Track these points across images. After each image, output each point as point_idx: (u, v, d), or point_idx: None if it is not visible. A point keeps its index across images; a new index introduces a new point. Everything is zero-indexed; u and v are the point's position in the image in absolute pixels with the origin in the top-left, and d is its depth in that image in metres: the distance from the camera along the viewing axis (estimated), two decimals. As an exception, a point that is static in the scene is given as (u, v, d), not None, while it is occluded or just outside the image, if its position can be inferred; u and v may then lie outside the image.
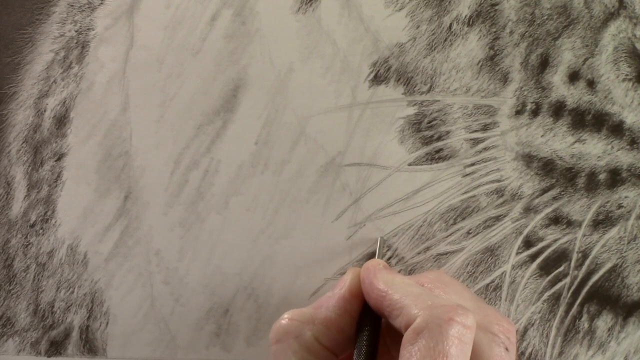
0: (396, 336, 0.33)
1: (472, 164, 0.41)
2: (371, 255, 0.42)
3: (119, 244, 0.44)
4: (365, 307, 0.36)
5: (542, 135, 0.40)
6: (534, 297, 0.40)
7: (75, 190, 0.45)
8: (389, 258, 0.42)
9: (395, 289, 0.34)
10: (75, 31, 0.45)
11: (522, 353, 0.41)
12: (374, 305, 0.35)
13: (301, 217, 0.43)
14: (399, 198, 0.42)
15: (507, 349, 0.33)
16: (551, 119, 0.40)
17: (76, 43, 0.45)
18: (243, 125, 0.44)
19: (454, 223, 0.41)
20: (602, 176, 0.40)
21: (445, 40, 0.42)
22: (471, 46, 0.42)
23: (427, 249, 0.42)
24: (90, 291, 0.44)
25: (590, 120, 0.40)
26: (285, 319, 0.36)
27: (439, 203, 0.42)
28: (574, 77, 0.40)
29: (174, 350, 0.44)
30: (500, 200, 0.41)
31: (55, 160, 0.45)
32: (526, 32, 0.41)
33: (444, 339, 0.30)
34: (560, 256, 0.40)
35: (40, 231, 0.45)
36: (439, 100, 0.42)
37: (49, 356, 0.45)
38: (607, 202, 0.40)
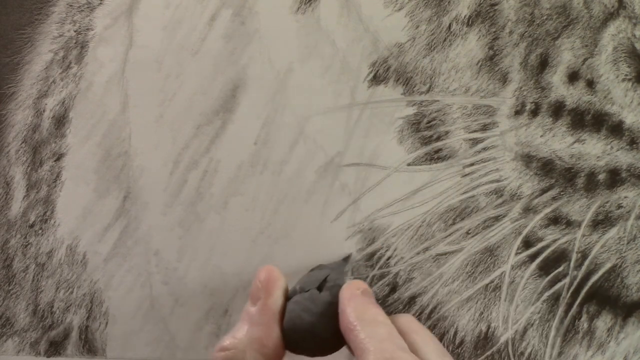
0: None
1: (471, 164, 0.41)
2: (370, 256, 0.42)
3: (118, 244, 0.44)
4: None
5: (541, 136, 0.40)
6: (534, 298, 0.40)
7: (74, 190, 0.45)
8: (388, 258, 0.42)
9: (362, 326, 0.33)
10: (75, 31, 0.45)
11: (522, 353, 0.41)
12: (342, 331, 0.35)
13: (300, 218, 0.43)
14: (398, 198, 0.42)
15: None
16: (550, 119, 0.40)
17: (75, 43, 0.45)
18: (242, 126, 0.44)
19: (453, 223, 0.41)
20: (601, 176, 0.40)
21: (445, 40, 0.42)
22: (470, 46, 0.41)
23: (426, 249, 0.42)
24: (89, 291, 0.44)
25: (590, 120, 0.40)
26: (223, 349, 0.34)
27: (438, 203, 0.42)
28: (573, 77, 0.40)
29: (173, 350, 0.44)
30: (500, 200, 0.41)
31: (55, 161, 0.45)
32: (525, 32, 0.41)
33: None
34: (560, 256, 0.40)
35: (40, 231, 0.45)
36: (438, 101, 0.42)
37: (48, 356, 0.45)
38: (607, 202, 0.40)
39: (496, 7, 0.41)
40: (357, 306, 0.35)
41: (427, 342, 0.35)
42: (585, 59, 0.40)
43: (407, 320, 0.37)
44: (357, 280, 0.38)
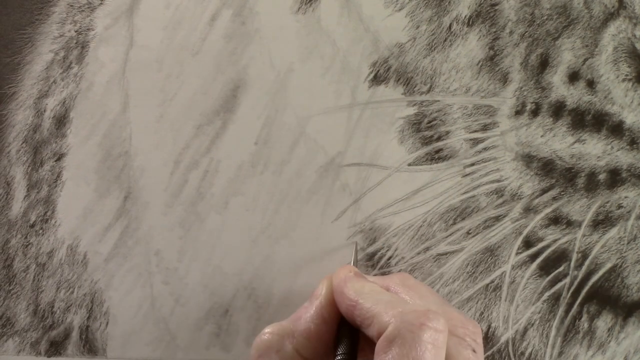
0: (372, 344, 0.33)
1: (472, 164, 0.41)
2: (371, 256, 0.42)
3: (118, 244, 0.44)
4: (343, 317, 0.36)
5: (541, 136, 0.40)
6: (534, 297, 0.40)
7: (75, 190, 0.45)
8: (389, 258, 0.42)
9: (365, 298, 0.34)
10: (75, 31, 0.45)
11: (522, 353, 0.41)
12: (346, 314, 0.35)
13: (301, 217, 0.43)
14: (398, 198, 0.42)
15: (474, 351, 0.33)
16: (551, 119, 0.40)
17: (76, 43, 0.45)
18: (243, 126, 0.44)
19: (454, 223, 0.41)
20: (601, 176, 0.40)
21: (445, 40, 0.42)
22: (471, 46, 0.42)
23: (427, 249, 0.42)
24: (90, 291, 0.44)
25: (590, 120, 0.40)
26: (265, 333, 0.35)
27: (439, 203, 0.42)
28: (573, 77, 0.40)
29: (173, 350, 0.44)
30: (500, 200, 0.41)
31: (55, 161, 0.45)
32: (526, 32, 0.41)
33: (417, 344, 0.30)
34: (560, 256, 0.40)
35: (40, 231, 0.45)
36: (438, 101, 0.42)
37: (48, 356, 0.45)
38: (607, 202, 0.40)
39: (496, 7, 0.41)
40: (353, 284, 0.35)
41: (426, 295, 0.35)
42: (586, 59, 0.40)
43: (403, 277, 0.37)
44: (346, 265, 0.38)
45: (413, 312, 0.31)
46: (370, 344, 0.33)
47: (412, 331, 0.30)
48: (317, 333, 0.35)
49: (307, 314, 0.36)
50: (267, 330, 0.35)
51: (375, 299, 0.33)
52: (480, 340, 0.34)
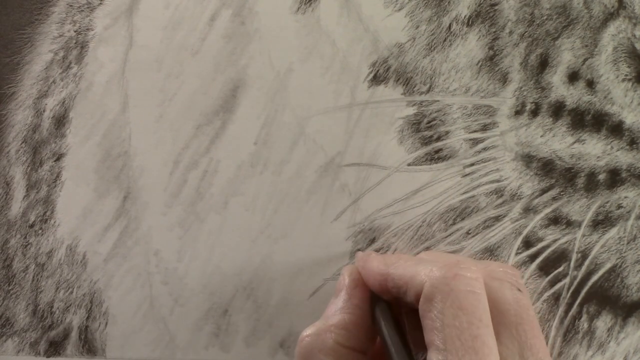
0: (412, 310, 0.33)
1: (472, 164, 0.41)
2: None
3: (118, 244, 0.44)
4: (373, 295, 0.36)
5: (541, 136, 0.40)
6: (534, 298, 0.40)
7: (74, 190, 0.45)
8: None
9: (394, 268, 0.34)
10: (75, 31, 0.45)
11: (522, 353, 0.41)
12: (379, 290, 0.35)
13: (300, 218, 0.43)
14: (398, 198, 0.42)
15: (519, 290, 0.33)
16: (551, 119, 0.40)
17: (75, 43, 0.45)
18: (242, 126, 0.44)
19: (454, 223, 0.41)
20: (601, 176, 0.40)
21: (445, 40, 0.42)
22: (470, 46, 0.41)
23: (427, 249, 0.41)
24: (89, 291, 0.44)
25: (590, 120, 0.40)
26: (305, 337, 0.35)
27: (439, 203, 0.41)
28: (573, 77, 0.40)
29: (173, 350, 0.44)
30: (500, 200, 0.41)
31: (55, 161, 0.45)
32: (525, 32, 0.41)
33: (457, 294, 0.30)
34: (560, 256, 0.40)
35: (40, 231, 0.45)
36: (438, 101, 0.42)
37: (48, 356, 0.45)
38: (607, 202, 0.40)
39: (496, 7, 0.41)
40: (379, 260, 0.35)
41: (453, 255, 0.35)
42: (585, 59, 0.40)
43: (426, 252, 0.37)
44: (365, 251, 0.38)
45: (444, 266, 0.31)
46: (408, 312, 0.34)
47: (447, 284, 0.30)
48: (352, 321, 0.35)
49: (337, 307, 0.36)
50: (305, 334, 0.36)
51: (404, 266, 0.33)
52: (521, 281, 0.34)
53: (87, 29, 0.45)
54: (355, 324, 0.35)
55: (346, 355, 0.35)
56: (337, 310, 0.36)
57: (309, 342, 0.35)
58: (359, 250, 0.42)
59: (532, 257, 0.41)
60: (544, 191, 0.40)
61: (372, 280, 0.35)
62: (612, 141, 0.40)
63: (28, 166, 0.45)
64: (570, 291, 0.40)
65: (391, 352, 0.33)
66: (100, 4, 0.45)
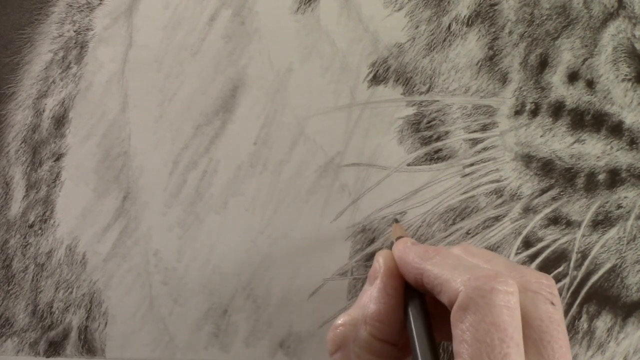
0: (441, 307, 0.33)
1: (471, 164, 0.41)
2: (370, 256, 0.42)
3: (117, 244, 0.44)
4: (407, 286, 0.36)
5: (541, 136, 0.40)
6: (533, 298, 0.40)
7: (74, 190, 0.45)
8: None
9: (432, 264, 0.34)
10: (74, 31, 0.45)
11: (522, 353, 0.41)
12: (414, 283, 0.35)
13: (300, 218, 0.43)
14: (398, 198, 0.42)
15: (552, 304, 0.33)
16: (550, 119, 0.40)
17: (75, 43, 0.45)
18: (242, 126, 0.43)
19: (453, 223, 0.41)
20: (601, 176, 0.40)
21: (444, 40, 0.42)
22: (470, 46, 0.41)
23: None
24: (89, 291, 0.44)
25: (590, 120, 0.40)
26: (339, 326, 0.35)
27: (438, 203, 0.41)
28: (573, 77, 0.40)
29: (172, 350, 0.44)
30: (500, 200, 0.41)
31: (54, 161, 0.45)
32: (525, 32, 0.41)
33: (491, 309, 0.30)
34: (560, 256, 0.40)
35: (39, 231, 0.45)
36: (438, 101, 0.42)
37: (47, 356, 0.45)
38: (607, 202, 0.40)
39: (496, 7, 0.41)
40: (417, 252, 0.35)
41: (491, 259, 0.35)
42: (585, 59, 0.40)
43: (465, 246, 0.36)
44: (403, 238, 0.38)
45: (482, 277, 0.31)
46: (437, 307, 0.33)
47: (483, 296, 0.30)
48: (387, 313, 0.35)
49: (373, 296, 0.35)
50: (339, 322, 0.35)
51: (442, 265, 0.33)
52: (556, 292, 0.33)
53: (87, 29, 0.45)
54: (389, 316, 0.35)
55: (379, 348, 0.34)
56: (371, 299, 0.35)
57: (343, 332, 0.35)
58: (396, 220, 0.41)
59: (532, 257, 0.41)
60: (543, 191, 0.40)
61: (408, 273, 0.35)
62: (611, 141, 0.40)
63: (28, 166, 0.45)
64: (570, 291, 0.40)
65: (416, 354, 0.33)
66: (100, 4, 0.45)
